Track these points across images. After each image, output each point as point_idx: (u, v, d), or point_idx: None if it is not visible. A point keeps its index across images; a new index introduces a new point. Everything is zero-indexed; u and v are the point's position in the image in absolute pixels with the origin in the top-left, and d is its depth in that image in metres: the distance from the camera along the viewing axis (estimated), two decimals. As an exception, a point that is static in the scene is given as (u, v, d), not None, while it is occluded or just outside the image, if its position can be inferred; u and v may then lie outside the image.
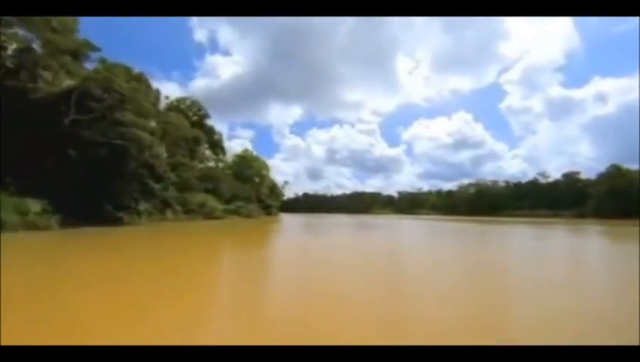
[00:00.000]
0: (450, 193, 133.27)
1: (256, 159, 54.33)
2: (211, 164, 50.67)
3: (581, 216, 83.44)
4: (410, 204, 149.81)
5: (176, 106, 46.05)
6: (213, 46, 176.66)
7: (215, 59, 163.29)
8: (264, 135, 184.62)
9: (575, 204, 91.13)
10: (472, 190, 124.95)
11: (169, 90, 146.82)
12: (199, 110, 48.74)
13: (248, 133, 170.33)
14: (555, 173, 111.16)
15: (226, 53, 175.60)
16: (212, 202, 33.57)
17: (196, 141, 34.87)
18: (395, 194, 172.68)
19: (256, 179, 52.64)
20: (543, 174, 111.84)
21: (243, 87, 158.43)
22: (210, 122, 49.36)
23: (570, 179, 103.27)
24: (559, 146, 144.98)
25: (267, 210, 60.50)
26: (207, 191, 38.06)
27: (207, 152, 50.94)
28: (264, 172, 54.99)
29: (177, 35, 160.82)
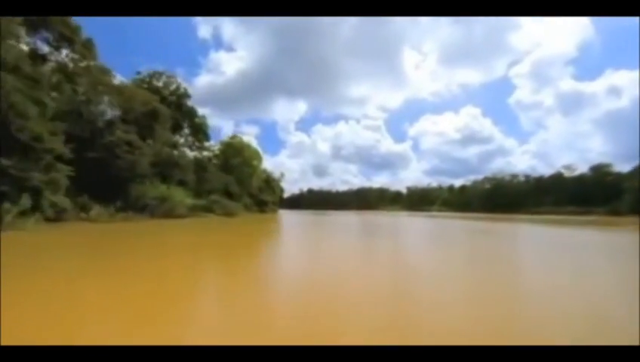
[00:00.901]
0: (463, 189, 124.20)
1: (246, 147, 46.77)
2: (194, 152, 43.45)
3: (615, 212, 74.41)
4: (420, 200, 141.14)
5: (148, 82, 38.68)
6: (217, 42, 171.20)
7: (219, 56, 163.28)
8: (269, 132, 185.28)
9: (608, 199, 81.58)
10: (487, 185, 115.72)
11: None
12: (177, 88, 41.32)
13: (253, 130, 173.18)
14: (582, 165, 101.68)
15: (230, 49, 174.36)
16: (179, 196, 26.24)
17: (154, 116, 27.39)
18: (404, 190, 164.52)
19: (246, 170, 45.11)
20: (568, 167, 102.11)
21: (247, 83, 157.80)
22: (190, 103, 41.82)
23: (600, 172, 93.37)
24: (570, 141, 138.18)
25: (261, 206, 53.18)
26: (180, 183, 30.81)
27: (190, 139, 43.64)
28: (255, 162, 47.41)
29: (181, 31, 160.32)
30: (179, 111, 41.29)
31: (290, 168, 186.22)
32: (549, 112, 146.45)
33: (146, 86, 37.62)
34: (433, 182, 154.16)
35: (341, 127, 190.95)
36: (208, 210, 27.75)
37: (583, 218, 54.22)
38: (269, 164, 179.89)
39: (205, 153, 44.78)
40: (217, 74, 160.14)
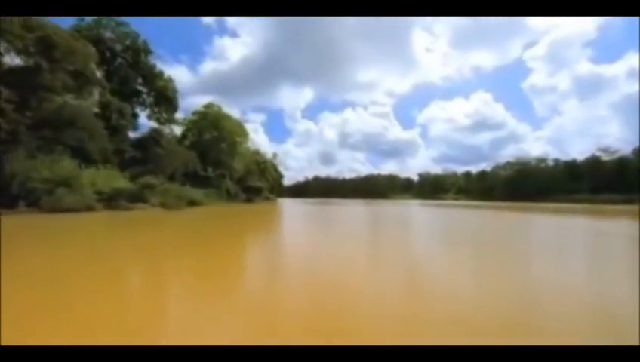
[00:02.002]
0: (483, 174, 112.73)
1: (224, 118, 37.07)
2: (155, 124, 34.26)
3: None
4: (433, 188, 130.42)
5: (92, 31, 29.10)
6: (221, 28, 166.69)
7: (223, 42, 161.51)
8: (276, 119, 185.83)
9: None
10: (510, 170, 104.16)
11: (178, 74, 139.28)
12: (134, 43, 31.73)
13: (260, 117, 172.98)
14: (626, 147, 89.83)
15: (234, 34, 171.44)
16: (89, 178, 16.99)
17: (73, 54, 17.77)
18: (415, 177, 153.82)
19: (224, 147, 35.74)
20: (606, 150, 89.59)
21: (253, 70, 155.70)
22: (154, 60, 32.26)
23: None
24: (586, 127, 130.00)
25: (251, 194, 44.06)
26: (122, 165, 21.78)
27: (157, 110, 34.33)
28: (238, 138, 37.88)
29: (185, 17, 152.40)
30: (135, 71, 31.87)
31: (297, 156, 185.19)
32: (565, 97, 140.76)
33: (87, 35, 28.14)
34: (442, 169, 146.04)
35: (348, 114, 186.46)
36: (137, 198, 18.61)
37: (627, 207, 43.47)
38: (276, 152, 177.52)
39: (176, 128, 35.60)
40: (222, 60, 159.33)
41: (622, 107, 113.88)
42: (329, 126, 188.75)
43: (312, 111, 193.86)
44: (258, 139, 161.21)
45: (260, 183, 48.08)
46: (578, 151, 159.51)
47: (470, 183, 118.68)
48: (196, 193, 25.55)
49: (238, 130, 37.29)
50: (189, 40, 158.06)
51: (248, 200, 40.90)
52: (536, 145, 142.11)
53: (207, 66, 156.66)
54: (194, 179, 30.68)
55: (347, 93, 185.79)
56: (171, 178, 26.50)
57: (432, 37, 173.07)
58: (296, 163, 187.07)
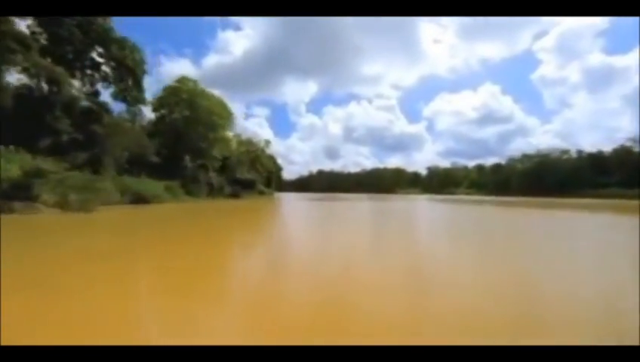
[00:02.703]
0: (498, 167, 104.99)
1: (203, 95, 30.30)
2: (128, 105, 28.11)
3: None
4: (443, 181, 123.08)
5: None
6: (225, 21, 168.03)
7: (226, 35, 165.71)
8: (280, 114, 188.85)
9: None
10: (528, 163, 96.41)
11: (181, 68, 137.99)
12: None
13: (264, 112, 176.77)
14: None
15: (238, 28, 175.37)
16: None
17: None
18: (423, 171, 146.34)
19: (201, 131, 29.28)
20: (636, 140, 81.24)
21: (256, 63, 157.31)
22: (110, 25, 25.83)
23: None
24: (596, 120, 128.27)
25: (238, 187, 37.81)
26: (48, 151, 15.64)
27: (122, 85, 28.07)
28: (220, 120, 31.27)
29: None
30: (88, 38, 25.54)
31: (301, 151, 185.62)
32: (575, 89, 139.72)
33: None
34: (451, 163, 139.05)
35: (353, 107, 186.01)
36: (25, 194, 11.77)
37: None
38: (280, 147, 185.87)
39: (147, 109, 29.33)
40: (225, 54, 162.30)
41: (633, 99, 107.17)
42: (333, 120, 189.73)
43: (316, 105, 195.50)
44: (263, 133, 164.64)
45: (250, 176, 41.69)
46: (588, 144, 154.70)
47: (483, 177, 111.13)
48: (149, 186, 19.35)
49: (218, 111, 30.65)
50: (192, 34, 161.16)
51: (234, 196, 34.67)
52: (545, 138, 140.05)
53: (211, 60, 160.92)
54: (163, 169, 24.58)
55: (352, 87, 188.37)
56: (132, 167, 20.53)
57: (439, 28, 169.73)
58: (300, 157, 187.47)
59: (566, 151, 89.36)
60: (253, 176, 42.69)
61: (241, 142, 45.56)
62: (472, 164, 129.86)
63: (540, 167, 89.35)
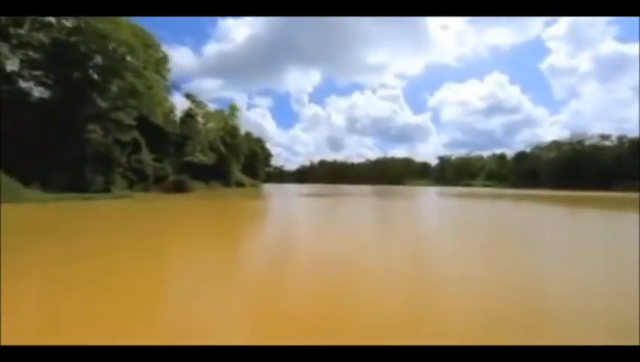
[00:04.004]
0: (522, 156, 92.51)
1: (125, 27, 18.05)
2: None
3: None
4: (457, 172, 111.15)
5: None
6: None
7: (227, 22, 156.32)
8: (283, 104, 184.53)
9: None
10: (558, 151, 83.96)
11: (182, 56, 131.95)
12: None
13: (266, 101, 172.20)
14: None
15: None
16: None
17: None
18: (432, 161, 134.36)
19: (126, 86, 17.68)
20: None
21: (258, 51, 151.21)
22: None
23: None
24: (606, 110, 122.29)
25: (180, 177, 27.01)
26: None
27: None
28: (157, 67, 19.59)
29: None
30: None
31: (305, 142, 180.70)
32: (585, 79, 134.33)
33: None
34: (452, 155, 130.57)
35: (356, 97, 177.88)
36: None
37: None
38: (283, 138, 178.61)
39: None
40: (226, 42, 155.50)
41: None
42: (337, 110, 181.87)
43: (319, 95, 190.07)
44: (266, 124, 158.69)
45: (206, 158, 30.61)
46: (597, 135, 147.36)
47: (503, 167, 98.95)
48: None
49: (156, 60, 19.37)
50: (192, 21, 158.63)
51: (178, 189, 23.83)
52: (553, 129, 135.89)
53: (212, 48, 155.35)
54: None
55: (356, 76, 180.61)
56: None
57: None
58: (304, 148, 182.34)
59: (606, 137, 76.52)
60: (209, 159, 31.26)
61: (207, 115, 34.43)
62: (480, 154, 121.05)
63: (572, 156, 76.94)
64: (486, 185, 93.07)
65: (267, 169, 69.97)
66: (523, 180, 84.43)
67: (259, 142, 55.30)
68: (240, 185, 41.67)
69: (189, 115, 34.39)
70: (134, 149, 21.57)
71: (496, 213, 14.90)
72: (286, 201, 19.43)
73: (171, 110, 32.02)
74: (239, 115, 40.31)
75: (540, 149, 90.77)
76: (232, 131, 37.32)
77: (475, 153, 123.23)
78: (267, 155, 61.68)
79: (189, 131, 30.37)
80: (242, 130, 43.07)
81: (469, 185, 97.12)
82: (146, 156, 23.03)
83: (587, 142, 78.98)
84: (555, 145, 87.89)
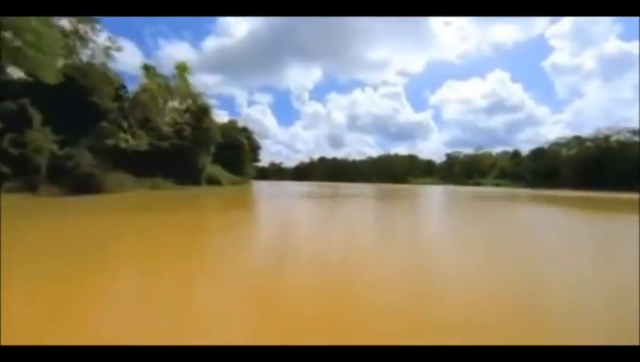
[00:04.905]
0: (540, 153, 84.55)
1: None
2: None
3: None
4: (466, 169, 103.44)
5: None
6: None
7: (227, 18, 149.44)
8: (283, 101, 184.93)
9: None
10: (579, 147, 76.10)
11: (181, 51, 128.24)
12: None
13: (267, 98, 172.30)
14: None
15: None
16: None
17: None
18: (439, 158, 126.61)
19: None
20: None
21: (258, 47, 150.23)
22: None
23: None
24: (609, 110, 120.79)
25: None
26: None
27: None
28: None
29: None
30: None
31: (305, 139, 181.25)
32: (589, 77, 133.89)
33: None
34: (461, 152, 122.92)
35: (357, 95, 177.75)
36: None
37: None
38: (284, 135, 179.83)
39: None
40: (226, 37, 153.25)
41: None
42: (337, 108, 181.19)
43: (319, 92, 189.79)
44: (267, 121, 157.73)
45: (134, 143, 22.35)
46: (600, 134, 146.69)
47: (518, 165, 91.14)
48: None
49: None
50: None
51: (78, 191, 16.45)
52: (555, 128, 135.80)
53: (211, 43, 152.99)
54: None
55: (356, 73, 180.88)
56: None
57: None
58: (304, 146, 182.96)
59: (636, 132, 68.38)
60: (142, 144, 23.10)
61: (160, 87, 26.82)
62: (489, 152, 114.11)
63: (598, 152, 69.00)
64: (497, 185, 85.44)
65: (257, 164, 62.41)
66: (541, 179, 76.66)
67: (244, 132, 47.74)
68: (214, 182, 34.18)
69: (144, 90, 27.00)
70: (18, 124, 14.20)
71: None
72: (270, 208, 13.56)
73: (119, 87, 24.77)
74: (189, 76, 32.32)
75: (558, 145, 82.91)
76: (197, 113, 29.70)
77: (484, 150, 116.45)
78: (255, 148, 54.06)
79: (135, 110, 22.90)
80: (214, 114, 35.43)
81: (479, 183, 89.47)
82: (39, 136, 15.55)
83: (614, 138, 70.97)
84: (577, 141, 80.00)
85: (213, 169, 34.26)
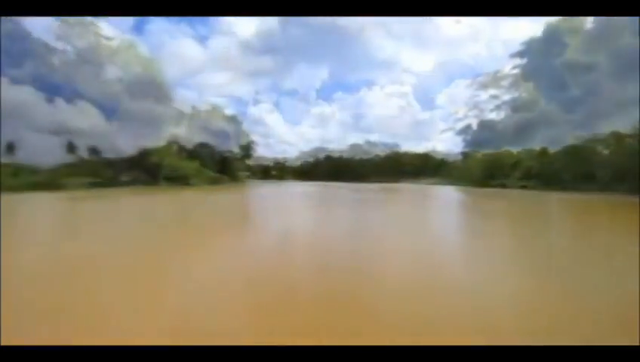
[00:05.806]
0: (574, 150, 74.91)
1: None
2: None
3: None
4: (485, 169, 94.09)
5: None
6: None
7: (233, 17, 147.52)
8: (290, 100, 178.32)
9: None
10: (617, 146, 66.48)
11: (184, 49, 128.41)
12: None
13: (273, 97, 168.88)
14: None
15: None
16: None
17: None
18: (452, 157, 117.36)
19: None
20: None
21: (264, 45, 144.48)
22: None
23: None
24: (623, 107, 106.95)
25: None
26: None
27: None
28: None
29: None
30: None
31: (311, 138, 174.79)
32: (603, 75, 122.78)
33: None
34: (493, 148, 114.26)
35: (364, 94, 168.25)
36: None
37: None
38: (290, 134, 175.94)
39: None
40: (231, 35, 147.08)
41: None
42: (343, 107, 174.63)
43: (326, 92, 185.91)
44: (273, 120, 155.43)
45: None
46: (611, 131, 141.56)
47: (545, 163, 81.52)
48: None
49: None
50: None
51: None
52: (567, 127, 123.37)
53: (216, 42, 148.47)
54: None
55: (364, 72, 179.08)
56: None
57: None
58: (310, 144, 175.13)
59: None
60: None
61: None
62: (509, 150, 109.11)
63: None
64: (524, 186, 76.01)
65: (259, 163, 54.16)
66: (577, 180, 67.09)
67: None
68: (175, 180, 25.48)
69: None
70: None
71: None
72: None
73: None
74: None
75: (595, 142, 73.22)
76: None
77: (504, 149, 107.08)
78: (249, 142, 45.41)
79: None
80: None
81: (503, 185, 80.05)
82: None
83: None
84: (615, 137, 70.32)
85: (182, 163, 26.04)
